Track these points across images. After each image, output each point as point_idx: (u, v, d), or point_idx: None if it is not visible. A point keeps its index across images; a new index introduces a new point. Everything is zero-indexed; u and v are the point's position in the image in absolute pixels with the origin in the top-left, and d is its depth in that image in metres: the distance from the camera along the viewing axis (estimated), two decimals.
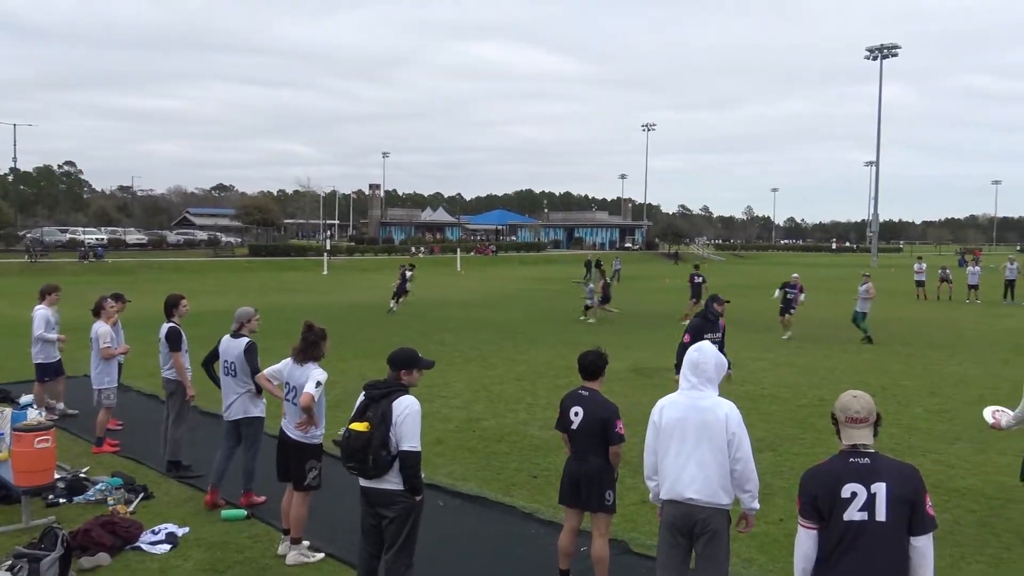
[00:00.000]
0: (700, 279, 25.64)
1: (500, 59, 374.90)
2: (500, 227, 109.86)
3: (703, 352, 4.94)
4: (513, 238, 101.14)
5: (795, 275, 21.76)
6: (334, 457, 6.59)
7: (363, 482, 5.27)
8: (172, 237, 72.06)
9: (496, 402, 12.33)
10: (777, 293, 21.46)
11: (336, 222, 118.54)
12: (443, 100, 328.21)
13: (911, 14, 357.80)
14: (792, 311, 20.74)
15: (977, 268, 33.88)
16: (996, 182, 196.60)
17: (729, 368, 10.04)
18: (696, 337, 10.10)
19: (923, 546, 3.66)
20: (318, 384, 6.32)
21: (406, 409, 5.17)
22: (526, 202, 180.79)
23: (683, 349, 10.11)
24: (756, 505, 4.85)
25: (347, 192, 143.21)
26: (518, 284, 42.82)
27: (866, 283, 19.88)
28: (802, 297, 21.26)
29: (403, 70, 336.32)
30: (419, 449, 5.17)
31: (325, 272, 51.09)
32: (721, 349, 9.99)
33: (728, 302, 11.03)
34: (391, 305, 25.89)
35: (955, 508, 7.72)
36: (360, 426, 5.15)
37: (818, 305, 27.14)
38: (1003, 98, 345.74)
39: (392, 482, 5.18)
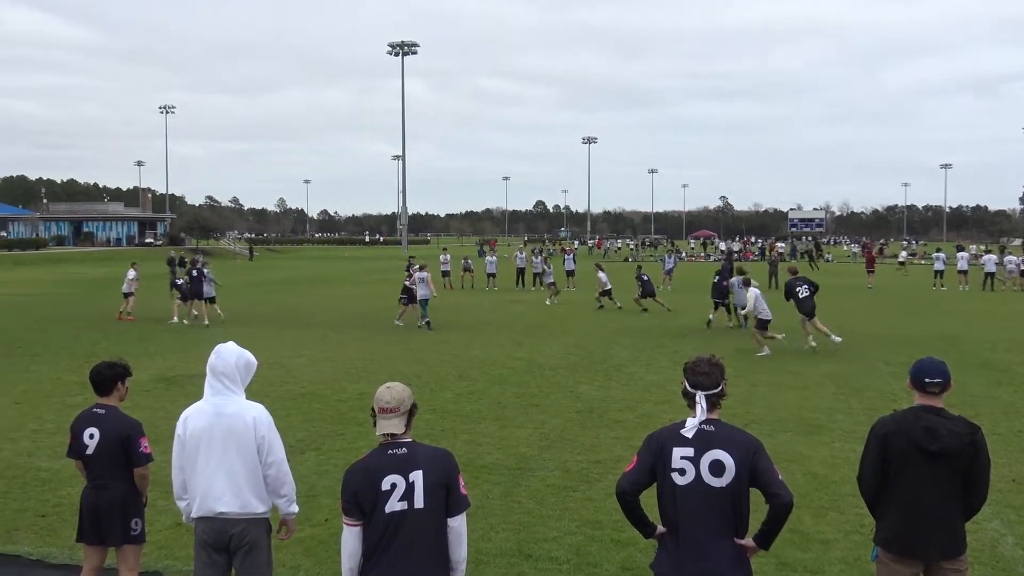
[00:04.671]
0: None
1: None
2: None
3: (222, 355, 4.54)
4: (3, 233, 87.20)
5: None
6: None
7: None
8: None
9: None
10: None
11: None
12: None
13: (431, 15, 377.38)
14: None
15: (494, 258, 37.92)
16: (506, 178, 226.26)
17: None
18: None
19: (458, 526, 3.85)
20: None
21: None
22: (18, 191, 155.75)
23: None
24: (294, 509, 4.68)
25: None
26: (13, 288, 36.37)
27: (422, 272, 21.46)
28: None
29: None
30: None
31: None
32: None
33: None
34: None
35: (484, 483, 8.32)
36: None
37: (357, 298, 27.91)
38: (509, 100, 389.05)
39: None
